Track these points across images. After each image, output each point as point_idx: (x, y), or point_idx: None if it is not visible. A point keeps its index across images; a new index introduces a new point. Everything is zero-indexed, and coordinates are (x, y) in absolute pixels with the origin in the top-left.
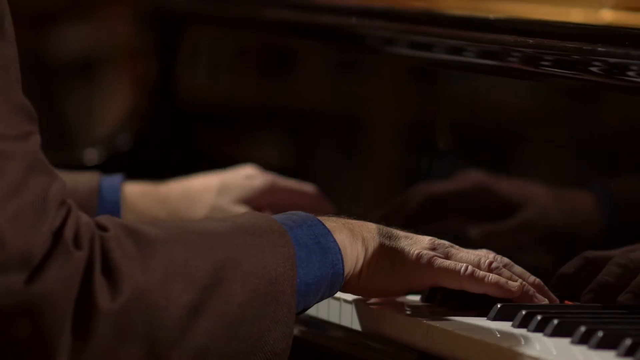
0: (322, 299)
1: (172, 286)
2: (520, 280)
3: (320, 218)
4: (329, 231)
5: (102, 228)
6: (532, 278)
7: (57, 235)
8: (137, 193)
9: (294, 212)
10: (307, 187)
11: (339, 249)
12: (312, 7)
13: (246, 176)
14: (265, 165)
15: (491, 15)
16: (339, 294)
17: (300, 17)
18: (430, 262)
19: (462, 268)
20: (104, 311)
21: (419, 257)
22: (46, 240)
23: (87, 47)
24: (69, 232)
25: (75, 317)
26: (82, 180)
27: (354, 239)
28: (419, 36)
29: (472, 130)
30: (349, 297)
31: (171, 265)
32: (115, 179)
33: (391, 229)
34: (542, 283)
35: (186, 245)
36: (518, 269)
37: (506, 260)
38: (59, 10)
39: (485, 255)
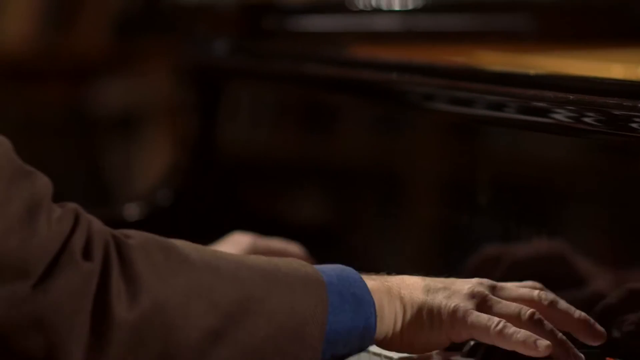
0: (350, 352)
1: (193, 307)
2: (553, 337)
3: (360, 273)
4: (365, 285)
5: (126, 236)
6: (577, 313)
7: (64, 244)
8: None
9: (335, 264)
10: (292, 247)
11: (374, 303)
12: (352, 63)
13: (231, 243)
14: (304, 220)
15: (532, 71)
16: (380, 350)
17: (340, 73)
18: (464, 316)
19: (493, 325)
20: (120, 321)
21: (455, 311)
22: (45, 248)
23: (127, 102)
24: (77, 241)
25: (92, 327)
26: None
27: (392, 299)
28: (459, 92)
29: (512, 187)
30: (392, 353)
31: (196, 285)
32: None
33: (430, 282)
34: (587, 318)
35: (215, 270)
36: (563, 305)
37: (551, 297)
38: (98, 65)
39: (526, 306)
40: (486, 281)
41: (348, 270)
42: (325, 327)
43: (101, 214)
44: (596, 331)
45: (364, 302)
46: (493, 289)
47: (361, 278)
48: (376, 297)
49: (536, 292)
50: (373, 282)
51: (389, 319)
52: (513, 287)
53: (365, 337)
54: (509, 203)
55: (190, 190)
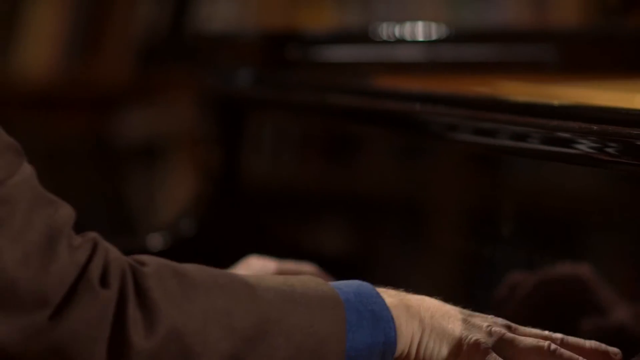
0: None
1: (211, 332)
2: None
3: (378, 289)
4: (383, 301)
5: (141, 264)
6: (587, 344)
7: (82, 272)
8: None
9: (352, 280)
10: (306, 267)
11: (392, 319)
12: (375, 93)
13: (245, 266)
14: (327, 251)
15: (555, 102)
16: None
17: (363, 103)
18: (484, 353)
19: None
20: (138, 349)
21: (476, 345)
22: (63, 277)
23: (150, 131)
24: (94, 269)
25: (110, 355)
26: None
27: (410, 317)
28: (483, 122)
29: (535, 217)
30: None
31: (212, 311)
32: None
33: (450, 309)
34: (599, 344)
35: (231, 294)
36: (572, 340)
37: (560, 335)
38: (122, 95)
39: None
40: (501, 320)
41: (365, 286)
42: (344, 345)
43: (125, 244)
44: (611, 352)
45: (383, 318)
46: (509, 329)
47: (379, 294)
48: (395, 313)
49: (546, 331)
50: (391, 298)
51: (406, 337)
52: (526, 329)
53: (387, 352)
54: (532, 233)
55: (213, 220)
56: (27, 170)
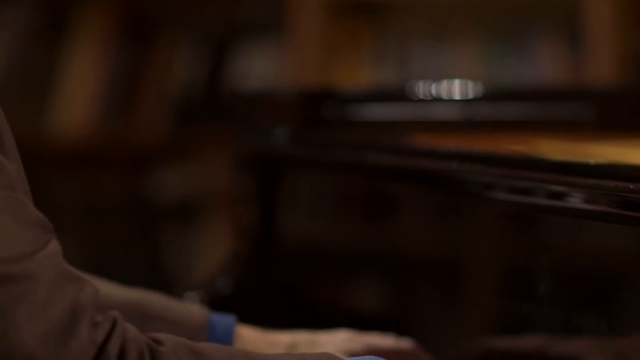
0: None
1: None
2: None
3: None
4: None
5: (158, 342)
6: None
7: (99, 351)
8: (250, 337)
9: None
10: (404, 344)
11: None
12: (412, 152)
13: (344, 340)
14: (364, 309)
15: (592, 160)
16: None
17: (400, 162)
18: None
19: None
20: None
21: None
22: (82, 354)
23: (187, 189)
24: (112, 348)
25: None
26: (193, 314)
27: None
28: (519, 181)
29: (572, 277)
30: None
31: None
32: (228, 318)
33: None
34: None
35: None
36: None
37: None
38: (159, 153)
39: None
40: None
41: None
42: None
43: None
44: None
45: None
46: None
47: None
48: None
49: None
50: None
51: None
52: None
53: None
54: (569, 292)
55: (250, 279)
56: (53, 246)
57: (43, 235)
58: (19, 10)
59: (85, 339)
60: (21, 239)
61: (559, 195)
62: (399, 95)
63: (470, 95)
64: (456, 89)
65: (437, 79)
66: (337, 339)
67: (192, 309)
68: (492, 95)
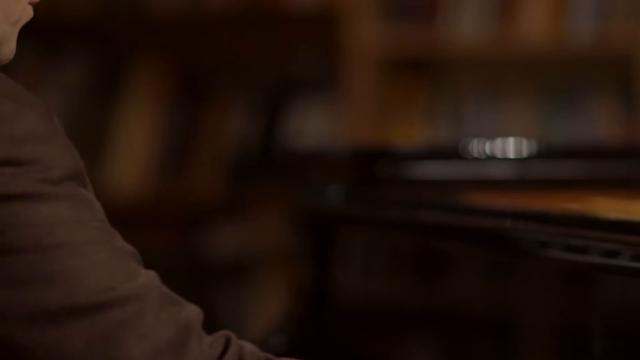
0: None
1: None
2: None
3: None
4: None
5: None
6: None
7: None
8: None
9: None
10: None
11: None
12: (466, 210)
13: None
14: None
15: None
16: None
17: (454, 220)
18: None
19: None
20: None
21: None
22: None
23: (241, 247)
24: None
25: None
26: None
27: None
28: (574, 239)
29: (627, 336)
30: None
31: None
32: None
33: None
34: None
35: None
36: None
37: None
38: (212, 211)
39: None
40: None
41: None
42: None
43: None
44: None
45: None
46: None
47: None
48: None
49: None
50: None
51: None
52: None
53: None
54: (623, 352)
55: (304, 337)
56: (151, 273)
57: (138, 263)
58: (75, 67)
59: (198, 357)
60: (121, 266)
61: (614, 254)
62: (453, 153)
63: (524, 154)
64: (510, 147)
65: (491, 136)
66: None
67: None
68: (546, 153)
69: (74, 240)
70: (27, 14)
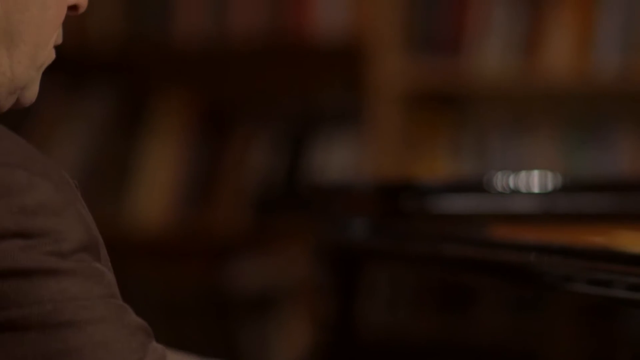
0: None
1: None
2: None
3: None
4: None
5: None
6: None
7: None
8: None
9: None
10: None
11: None
12: (490, 244)
13: None
14: None
15: None
16: None
17: (479, 254)
18: None
19: None
20: None
21: None
22: None
23: (265, 281)
24: None
25: None
26: None
27: None
28: (598, 273)
29: None
30: None
31: None
32: None
33: None
34: None
35: None
36: None
37: None
38: (236, 245)
39: None
40: None
41: None
42: None
43: None
44: None
45: None
46: None
47: None
48: None
49: None
50: None
51: None
52: None
53: None
54: None
55: None
56: (159, 349)
57: (147, 340)
58: (100, 100)
59: None
60: (128, 344)
61: (638, 287)
62: (478, 187)
63: (549, 187)
64: (535, 180)
65: (516, 170)
66: None
67: None
68: (570, 187)
69: (80, 318)
70: (51, 57)
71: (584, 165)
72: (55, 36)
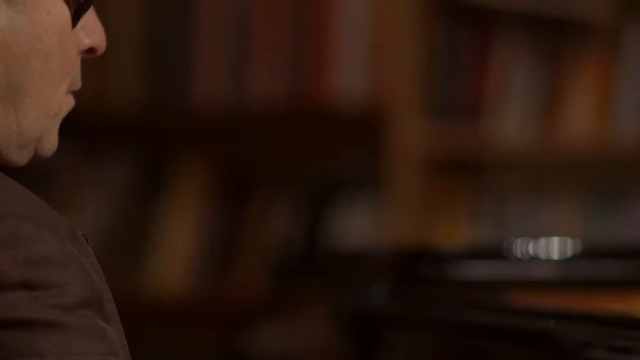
0: None
1: None
2: None
3: None
4: None
5: None
6: None
7: None
8: None
9: None
10: None
11: None
12: (510, 311)
13: None
14: None
15: None
16: None
17: (498, 321)
18: None
19: None
20: None
21: None
22: None
23: (284, 347)
24: None
25: None
26: None
27: None
28: (618, 340)
29: None
30: None
31: None
32: None
33: None
34: None
35: None
36: None
37: None
38: (255, 310)
39: None
40: None
41: None
42: None
43: None
44: None
45: None
46: None
47: None
48: None
49: None
50: None
51: None
52: None
53: None
54: None
55: None
56: None
57: None
58: (119, 167)
59: None
60: None
61: None
62: (497, 253)
63: (569, 254)
64: (554, 247)
65: (535, 236)
66: None
67: None
68: (590, 254)
69: None
70: (68, 104)
71: (604, 231)
72: (68, 83)
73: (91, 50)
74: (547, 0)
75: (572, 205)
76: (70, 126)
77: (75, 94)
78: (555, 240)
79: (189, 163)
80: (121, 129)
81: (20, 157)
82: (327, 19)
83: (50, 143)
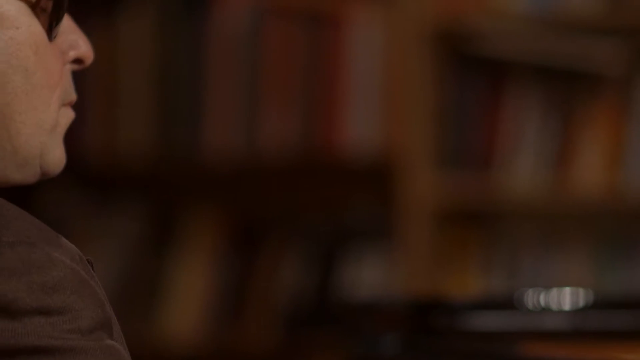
0: None
1: None
2: None
3: None
4: None
5: None
6: None
7: None
8: None
9: None
10: None
11: None
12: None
13: None
14: None
15: None
16: None
17: None
18: None
19: None
20: None
21: None
22: None
23: None
24: None
25: None
26: None
27: None
28: None
29: None
30: None
31: None
32: None
33: None
34: None
35: None
36: None
37: None
38: None
39: None
40: None
41: None
42: None
43: None
44: None
45: None
46: None
47: None
48: None
49: None
50: None
51: None
52: None
53: None
54: None
55: None
56: None
57: None
58: (130, 218)
59: None
60: None
61: None
62: (508, 304)
63: (581, 304)
64: (566, 297)
65: (547, 287)
66: None
67: None
68: (602, 304)
69: None
70: (66, 116)
71: (615, 282)
72: (59, 95)
73: (78, 61)
74: (558, 52)
75: (583, 256)
76: (81, 177)
77: (87, 145)
78: (566, 290)
79: (201, 213)
80: (133, 180)
81: (24, 177)
82: (339, 69)
83: (56, 159)
